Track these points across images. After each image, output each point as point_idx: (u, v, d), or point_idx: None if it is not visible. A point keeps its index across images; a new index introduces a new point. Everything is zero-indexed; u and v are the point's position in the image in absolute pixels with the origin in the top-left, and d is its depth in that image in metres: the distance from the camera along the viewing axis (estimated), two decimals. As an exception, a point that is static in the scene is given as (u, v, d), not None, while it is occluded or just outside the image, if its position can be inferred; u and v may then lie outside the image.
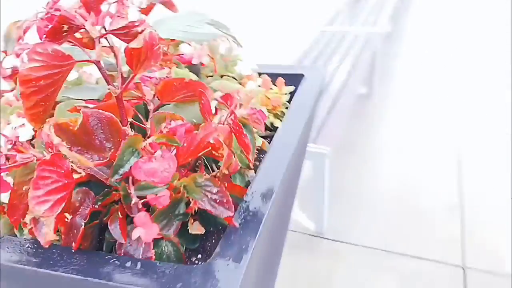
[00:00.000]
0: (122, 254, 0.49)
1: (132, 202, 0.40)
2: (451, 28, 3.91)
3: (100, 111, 0.41)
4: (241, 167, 0.65)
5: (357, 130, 2.38)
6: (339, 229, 1.65)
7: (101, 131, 0.43)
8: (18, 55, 0.82)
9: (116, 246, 0.51)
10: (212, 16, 0.78)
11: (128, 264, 0.47)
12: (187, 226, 0.54)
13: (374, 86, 2.74)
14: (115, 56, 0.52)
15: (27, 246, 0.51)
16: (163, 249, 0.52)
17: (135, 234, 0.40)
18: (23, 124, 0.58)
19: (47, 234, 0.41)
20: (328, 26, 2.69)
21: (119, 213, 0.49)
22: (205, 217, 0.54)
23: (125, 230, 0.50)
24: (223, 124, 0.53)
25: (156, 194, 0.40)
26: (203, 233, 0.53)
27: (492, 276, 1.41)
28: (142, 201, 0.42)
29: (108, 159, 0.41)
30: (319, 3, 4.97)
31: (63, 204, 0.43)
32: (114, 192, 0.51)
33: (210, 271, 0.45)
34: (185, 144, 0.49)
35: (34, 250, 0.50)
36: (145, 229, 0.39)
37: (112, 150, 0.43)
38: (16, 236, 0.55)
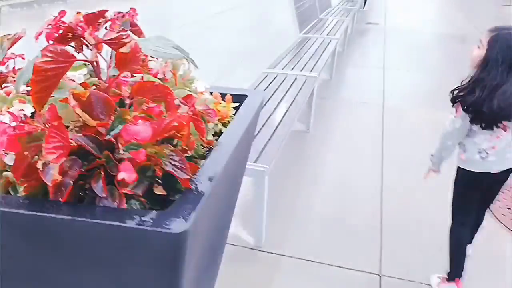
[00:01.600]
0: (102, 205, 0.64)
1: (121, 153, 0.57)
2: (382, 79, 4.42)
3: (100, 92, 0.58)
4: (194, 157, 0.83)
5: (294, 160, 2.63)
6: (276, 243, 1.83)
7: (99, 106, 0.59)
8: (3, 64, 0.97)
9: (96, 200, 0.66)
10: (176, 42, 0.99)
11: (108, 210, 0.62)
12: (153, 191, 0.70)
13: (311, 124, 3.05)
14: (96, 63, 0.69)
15: (23, 200, 0.65)
16: (132, 206, 0.68)
17: (120, 175, 0.56)
18: (22, 109, 0.72)
19: (53, 175, 0.55)
20: (270, 69, 3.00)
21: (102, 173, 0.65)
22: (167, 183, 0.70)
23: (106, 187, 0.65)
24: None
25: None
26: (165, 194, 0.69)
27: (402, 281, 1.64)
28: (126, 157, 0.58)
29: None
30: (263, 48, 5.40)
31: (63, 159, 0.59)
32: (97, 160, 0.67)
33: (171, 213, 0.62)
34: (155, 126, 0.66)
35: (29, 202, 0.64)
36: (128, 173, 0.56)
37: (105, 121, 0.60)
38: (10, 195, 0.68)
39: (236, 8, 9.50)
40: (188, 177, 0.67)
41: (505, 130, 1.45)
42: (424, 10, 9.57)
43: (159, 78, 0.97)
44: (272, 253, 1.78)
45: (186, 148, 0.70)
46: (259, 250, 1.79)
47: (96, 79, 0.78)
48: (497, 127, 1.42)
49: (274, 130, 1.97)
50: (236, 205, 2.13)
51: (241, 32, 6.90)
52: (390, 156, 2.71)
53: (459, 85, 1.49)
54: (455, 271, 1.59)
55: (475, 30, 6.89)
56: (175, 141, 0.76)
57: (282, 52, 3.57)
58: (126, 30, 0.96)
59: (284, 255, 1.77)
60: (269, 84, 2.69)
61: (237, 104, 1.09)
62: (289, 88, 2.61)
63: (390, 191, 2.31)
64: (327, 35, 4.36)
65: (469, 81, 1.44)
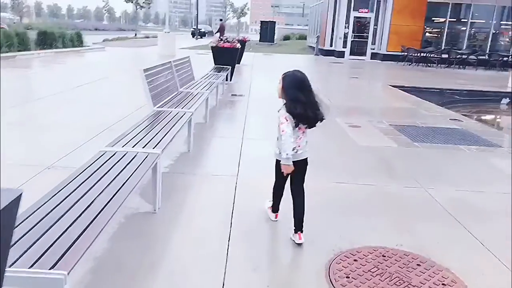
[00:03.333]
0: None
1: None
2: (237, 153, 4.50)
3: None
4: None
5: (133, 248, 2.35)
6: None
7: None
8: None
9: None
10: None
11: None
12: None
13: (158, 204, 2.84)
14: None
15: None
16: None
17: None
18: None
19: None
20: (109, 147, 2.77)
21: None
22: None
23: None
24: None
25: None
26: None
27: None
28: None
29: None
30: (122, 122, 5.17)
31: None
32: None
33: None
34: None
35: None
36: None
37: None
38: None
39: (99, 80, 9.15)
40: None
41: (303, 133, 2.48)
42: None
43: None
44: None
45: None
46: None
47: None
48: (303, 123, 2.44)
49: (90, 222, 1.71)
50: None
51: (100, 105, 6.56)
52: (237, 232, 2.62)
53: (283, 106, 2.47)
54: (275, 208, 2.82)
55: (329, 102, 7.64)
56: None
57: (129, 127, 3.38)
58: None
59: None
60: (103, 164, 2.45)
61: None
62: (123, 168, 2.40)
63: (234, 270, 2.18)
64: (182, 108, 4.33)
65: (286, 103, 2.43)
